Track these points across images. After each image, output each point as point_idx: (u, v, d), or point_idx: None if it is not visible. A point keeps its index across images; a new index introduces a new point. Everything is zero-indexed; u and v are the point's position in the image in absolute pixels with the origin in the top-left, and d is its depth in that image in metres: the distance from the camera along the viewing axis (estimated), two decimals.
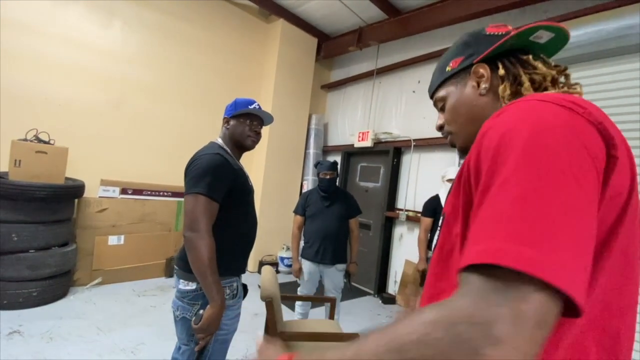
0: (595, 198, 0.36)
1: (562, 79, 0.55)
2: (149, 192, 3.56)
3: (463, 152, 0.62)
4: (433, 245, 0.64)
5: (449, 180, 2.61)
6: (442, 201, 2.59)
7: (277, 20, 4.39)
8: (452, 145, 0.66)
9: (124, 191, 3.40)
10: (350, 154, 4.64)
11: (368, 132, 4.17)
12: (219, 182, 1.20)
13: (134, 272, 3.38)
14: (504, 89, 0.54)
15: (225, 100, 4.11)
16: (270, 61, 4.45)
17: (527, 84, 0.53)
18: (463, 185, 0.46)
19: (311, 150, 4.87)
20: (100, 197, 3.24)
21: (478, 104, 0.58)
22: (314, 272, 2.31)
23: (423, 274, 2.56)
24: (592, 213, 0.35)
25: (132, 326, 2.42)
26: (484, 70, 0.56)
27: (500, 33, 0.56)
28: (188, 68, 3.88)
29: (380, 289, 3.90)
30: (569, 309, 0.31)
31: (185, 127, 3.88)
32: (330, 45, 4.79)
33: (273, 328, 1.45)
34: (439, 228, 0.60)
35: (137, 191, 3.50)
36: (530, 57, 0.54)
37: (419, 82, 3.92)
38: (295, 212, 2.46)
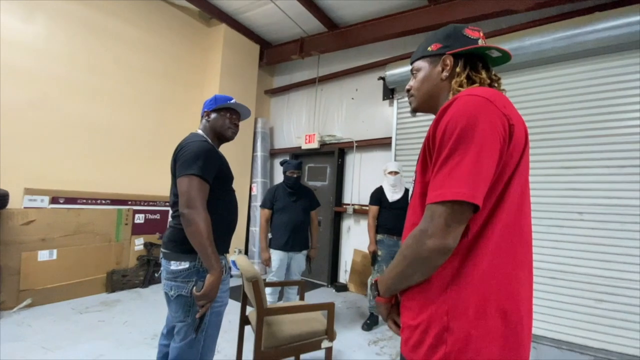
0: (496, 157, 0.66)
1: (495, 84, 0.85)
2: (84, 201, 3.26)
3: (414, 111, 0.92)
4: (410, 196, 0.90)
5: (390, 173, 3.01)
6: (386, 192, 2.98)
7: (219, 25, 4.43)
8: (410, 104, 0.94)
9: (54, 200, 3.06)
10: (298, 155, 4.87)
11: (314, 134, 4.46)
12: (209, 165, 1.31)
13: (71, 289, 3.05)
14: (455, 82, 0.82)
15: (163, 103, 4.06)
16: (213, 65, 4.44)
17: (470, 82, 0.82)
18: (426, 150, 0.76)
19: (259, 153, 4.96)
20: (25, 207, 2.87)
21: (437, 85, 0.85)
22: (284, 260, 2.47)
23: (374, 254, 2.89)
24: (493, 166, 0.65)
25: (85, 342, 2.23)
26: (450, 61, 0.82)
27: (473, 37, 0.82)
28: (122, 68, 3.66)
29: (333, 279, 4.18)
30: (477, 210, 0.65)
31: (120, 130, 3.65)
32: (272, 53, 4.98)
33: (260, 305, 1.58)
34: (412, 182, 0.88)
35: (70, 200, 3.18)
36: (480, 65, 0.83)
37: (356, 90, 4.36)
38: (263, 206, 2.60)
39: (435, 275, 0.69)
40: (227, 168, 1.48)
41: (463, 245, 0.67)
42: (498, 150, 0.65)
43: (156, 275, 3.73)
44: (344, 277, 4.21)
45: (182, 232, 1.25)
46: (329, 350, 1.71)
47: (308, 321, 1.78)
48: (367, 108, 4.24)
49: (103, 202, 3.40)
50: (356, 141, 4.18)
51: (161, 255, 1.37)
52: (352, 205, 4.14)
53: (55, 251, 2.97)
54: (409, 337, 0.71)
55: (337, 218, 4.30)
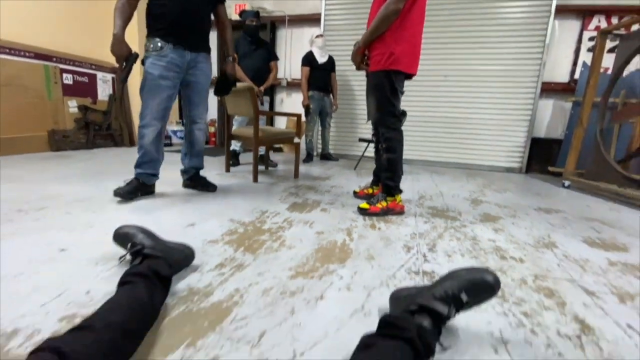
0: None
1: None
2: (7, 50, 2.96)
3: None
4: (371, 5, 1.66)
5: (317, 37, 3.62)
6: (315, 55, 3.63)
7: None
8: None
9: None
10: None
11: (245, 4, 4.53)
12: None
13: (16, 143, 3.03)
14: None
15: None
16: None
17: None
18: None
19: None
20: None
21: None
22: None
23: (307, 107, 3.67)
24: None
25: (54, 183, 2.55)
26: None
27: None
28: None
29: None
30: None
31: None
32: None
33: (256, 108, 2.25)
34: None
35: None
36: None
37: None
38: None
39: (387, 33, 1.50)
40: None
41: (402, 13, 1.48)
42: None
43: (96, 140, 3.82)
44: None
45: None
46: (297, 145, 2.58)
47: (284, 130, 2.57)
48: None
49: (27, 54, 3.12)
50: (288, 15, 4.50)
51: None
52: (285, 78, 4.71)
53: None
54: (377, 59, 1.57)
55: (271, 91, 4.84)
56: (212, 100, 5.12)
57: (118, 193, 1.71)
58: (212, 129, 5.10)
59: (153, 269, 0.79)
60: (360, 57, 1.73)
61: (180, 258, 0.96)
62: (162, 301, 0.78)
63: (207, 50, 1.93)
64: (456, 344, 0.72)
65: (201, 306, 0.82)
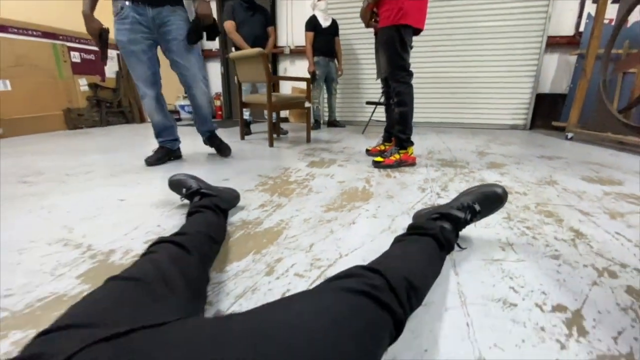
0: None
1: None
2: (15, 30, 3.00)
3: None
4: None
5: (320, 0, 3.58)
6: (319, 19, 3.60)
7: None
8: None
9: None
10: None
11: None
12: None
13: (34, 123, 3.15)
14: None
15: None
16: None
17: None
18: None
19: None
20: None
21: None
22: None
23: (313, 74, 3.71)
24: None
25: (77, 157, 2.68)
26: None
27: None
28: None
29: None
30: None
31: None
32: None
33: (269, 75, 2.33)
34: None
35: (1, 27, 2.90)
36: None
37: None
38: (227, 18, 2.96)
39: None
40: None
41: None
42: None
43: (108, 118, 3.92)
44: (283, 113, 5.09)
45: None
46: (308, 110, 2.67)
47: (295, 95, 2.66)
48: None
49: (34, 33, 3.16)
50: None
51: None
52: (288, 46, 4.69)
53: (7, 82, 2.90)
54: (386, 15, 1.63)
55: (274, 60, 4.84)
56: (216, 73, 5.15)
57: (149, 162, 1.85)
58: (217, 102, 5.15)
59: (214, 203, 0.95)
60: (370, 13, 1.79)
61: (230, 198, 1.11)
62: (225, 227, 0.94)
63: (176, 2, 1.70)
64: (471, 246, 0.88)
65: (256, 230, 0.98)
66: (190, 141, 2.44)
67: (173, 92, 4.71)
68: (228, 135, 3.13)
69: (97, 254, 0.83)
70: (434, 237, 0.73)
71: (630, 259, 0.83)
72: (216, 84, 5.21)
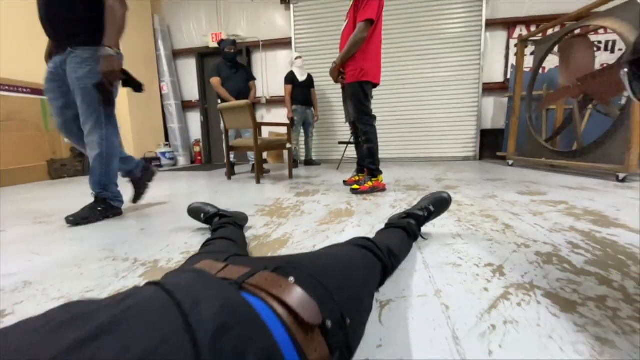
0: (382, 6, 2.01)
1: None
2: (7, 87, 3.18)
3: None
4: (343, 29, 2.18)
5: (297, 59, 4.14)
6: (296, 74, 4.14)
7: None
8: None
9: None
10: (204, 55, 5.31)
11: (221, 33, 4.99)
12: None
13: (17, 174, 3.22)
14: None
15: None
16: None
17: None
18: (354, 6, 2.02)
19: (162, 52, 5.13)
20: None
21: None
22: None
23: (292, 120, 4.15)
24: (380, 10, 2.01)
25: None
26: None
27: None
28: None
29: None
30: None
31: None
32: None
33: (255, 124, 2.67)
34: (345, 20, 2.15)
35: None
36: None
37: None
38: (213, 75, 3.37)
39: (357, 53, 2.02)
40: None
41: (367, 39, 2.00)
42: (382, 3, 1.97)
43: None
44: (263, 154, 5.42)
45: None
46: (289, 150, 3.02)
47: (277, 138, 3.00)
48: (267, 12, 5.01)
49: (24, 90, 3.35)
50: (262, 40, 5.01)
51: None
52: (264, 97, 5.17)
53: None
54: (351, 74, 2.07)
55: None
56: (196, 121, 5.47)
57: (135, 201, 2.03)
58: (197, 149, 5.41)
59: (233, 220, 1.20)
60: (337, 73, 2.23)
61: (241, 217, 1.36)
62: (245, 238, 1.18)
63: (76, 43, 1.53)
64: (430, 236, 1.19)
65: (267, 240, 1.23)
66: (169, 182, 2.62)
67: (152, 141, 4.92)
68: (210, 177, 3.37)
69: (145, 263, 1.04)
70: (403, 229, 1.03)
71: (541, 237, 1.17)
72: (196, 131, 5.50)
